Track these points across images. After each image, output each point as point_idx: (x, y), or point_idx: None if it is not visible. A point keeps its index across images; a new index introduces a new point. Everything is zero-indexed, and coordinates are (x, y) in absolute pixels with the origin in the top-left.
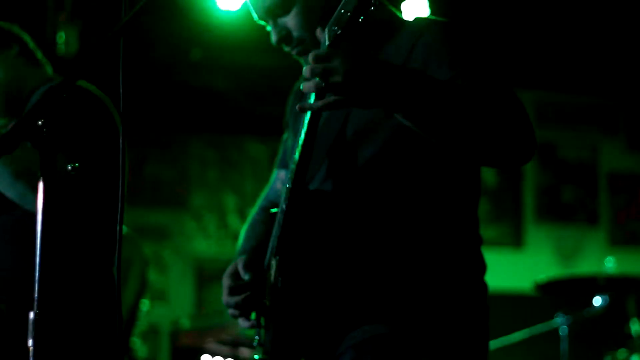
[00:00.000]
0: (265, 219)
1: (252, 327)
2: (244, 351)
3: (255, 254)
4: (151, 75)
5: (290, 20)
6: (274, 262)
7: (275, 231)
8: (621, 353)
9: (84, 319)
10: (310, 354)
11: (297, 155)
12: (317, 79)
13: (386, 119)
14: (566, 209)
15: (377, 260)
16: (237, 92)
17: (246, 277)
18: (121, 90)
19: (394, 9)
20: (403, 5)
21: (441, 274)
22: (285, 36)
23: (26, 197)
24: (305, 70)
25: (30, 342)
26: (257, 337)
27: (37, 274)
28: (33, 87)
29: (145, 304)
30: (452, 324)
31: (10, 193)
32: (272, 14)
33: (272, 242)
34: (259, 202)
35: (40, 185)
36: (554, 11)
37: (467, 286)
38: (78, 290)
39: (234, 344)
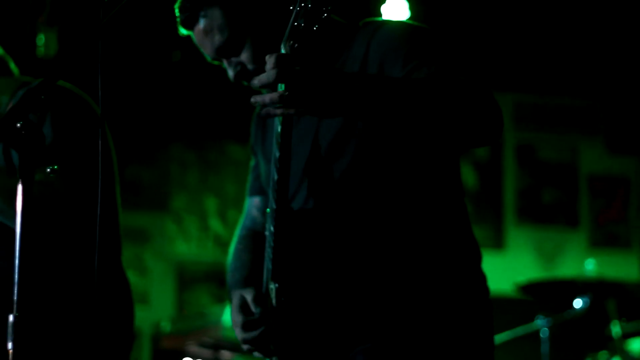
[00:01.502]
0: (248, 246)
1: (267, 356)
2: (226, 354)
3: (252, 284)
4: (130, 77)
5: (243, 55)
6: (272, 287)
7: (267, 254)
8: (602, 355)
9: (67, 322)
10: None
11: (275, 176)
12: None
13: (355, 128)
14: (546, 211)
15: (372, 271)
16: (218, 94)
17: (257, 310)
18: (100, 93)
19: (339, 19)
20: (383, 8)
21: (437, 273)
22: (241, 71)
23: (3, 212)
24: (261, 78)
25: (9, 345)
26: None
27: (16, 277)
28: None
29: None
30: (457, 321)
31: None
32: (224, 53)
33: (267, 264)
34: (237, 231)
35: (19, 188)
36: (532, 13)
37: (465, 282)
38: (60, 293)
39: (215, 347)
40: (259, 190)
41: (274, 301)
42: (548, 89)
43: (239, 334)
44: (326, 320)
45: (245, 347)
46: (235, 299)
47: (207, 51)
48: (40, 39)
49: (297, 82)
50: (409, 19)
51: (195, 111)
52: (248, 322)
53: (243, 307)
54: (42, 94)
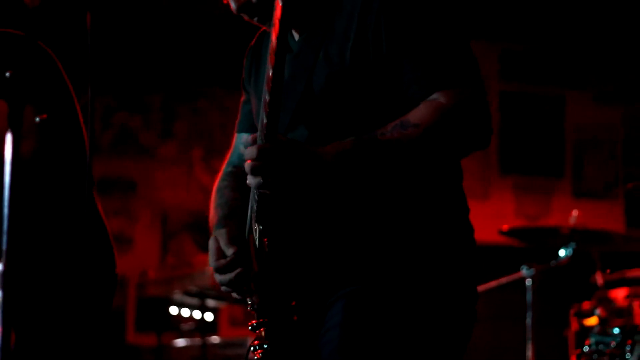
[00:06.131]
0: (232, 183)
1: (244, 297)
2: (211, 302)
3: (230, 223)
4: (120, 23)
5: None
6: (256, 228)
7: (252, 194)
8: (586, 304)
9: (57, 270)
10: (302, 308)
11: (265, 119)
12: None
13: (351, 72)
14: (532, 162)
15: (358, 214)
16: (207, 42)
17: (230, 252)
18: (89, 41)
19: None
20: None
21: (422, 221)
22: (245, 4)
23: None
24: (247, 166)
25: None
26: (249, 302)
27: (5, 226)
28: None
29: None
30: (439, 268)
31: None
32: None
33: (252, 204)
34: (224, 167)
35: (8, 136)
36: None
37: (450, 231)
38: (49, 240)
39: (200, 295)
40: (248, 127)
41: (257, 242)
42: (535, 38)
43: (216, 277)
44: (310, 263)
45: (223, 289)
46: (212, 241)
47: None
48: None
49: (276, 176)
50: None
51: (183, 59)
52: (222, 264)
53: (217, 249)
54: (29, 44)
